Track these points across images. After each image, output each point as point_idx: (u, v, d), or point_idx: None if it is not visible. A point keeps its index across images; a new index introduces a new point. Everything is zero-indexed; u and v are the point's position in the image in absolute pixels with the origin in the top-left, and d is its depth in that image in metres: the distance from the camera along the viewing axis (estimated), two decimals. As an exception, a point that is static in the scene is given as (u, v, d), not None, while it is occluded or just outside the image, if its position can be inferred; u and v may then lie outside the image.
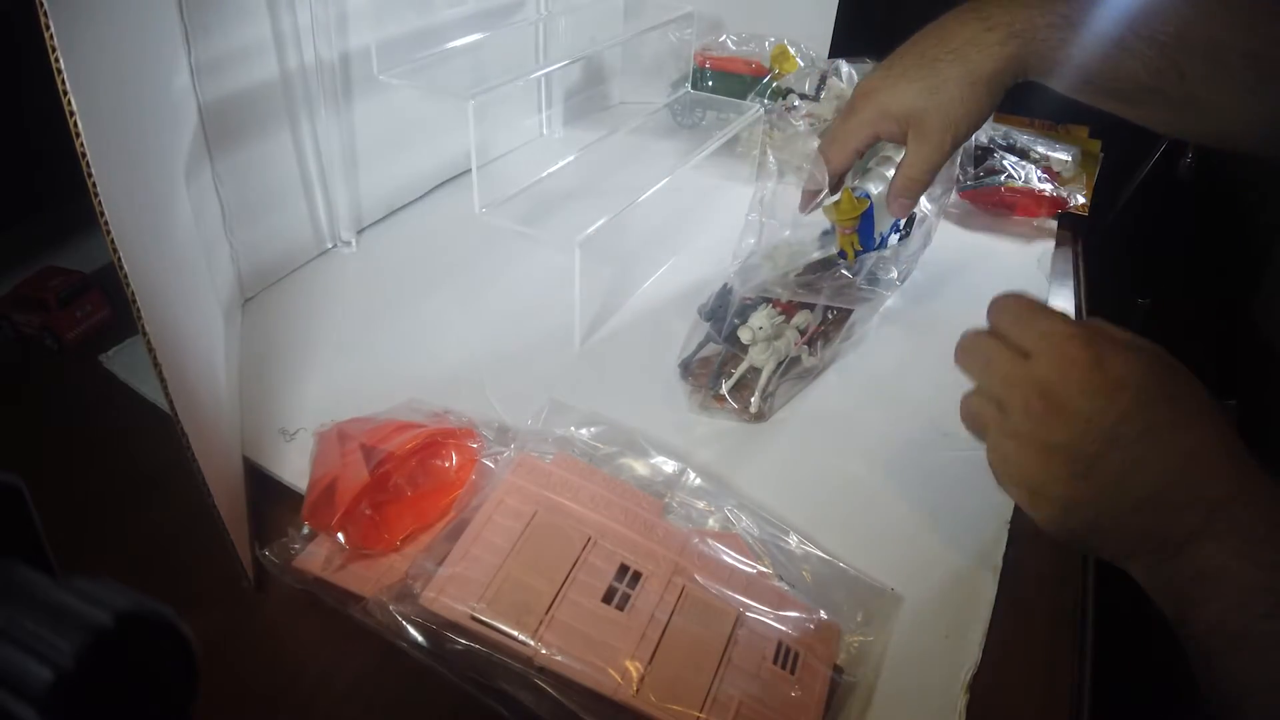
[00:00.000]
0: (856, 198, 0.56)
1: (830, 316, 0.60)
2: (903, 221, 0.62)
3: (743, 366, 0.56)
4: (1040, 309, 0.41)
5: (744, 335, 0.55)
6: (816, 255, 0.58)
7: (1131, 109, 0.52)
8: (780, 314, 0.55)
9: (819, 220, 0.60)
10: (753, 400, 0.55)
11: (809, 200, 0.57)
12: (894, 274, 0.62)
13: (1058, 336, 0.39)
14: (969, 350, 0.42)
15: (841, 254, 0.59)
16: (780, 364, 0.56)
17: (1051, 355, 0.39)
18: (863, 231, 0.58)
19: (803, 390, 0.60)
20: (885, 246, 0.61)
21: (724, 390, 0.56)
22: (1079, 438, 0.38)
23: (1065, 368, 0.38)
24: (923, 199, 0.62)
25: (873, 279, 0.60)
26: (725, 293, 0.57)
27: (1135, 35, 0.48)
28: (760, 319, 0.54)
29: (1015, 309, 0.42)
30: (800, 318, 0.57)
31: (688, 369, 0.58)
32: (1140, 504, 0.38)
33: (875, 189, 0.57)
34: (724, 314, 0.56)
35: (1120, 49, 0.48)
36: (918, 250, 0.66)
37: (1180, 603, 0.37)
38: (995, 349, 0.41)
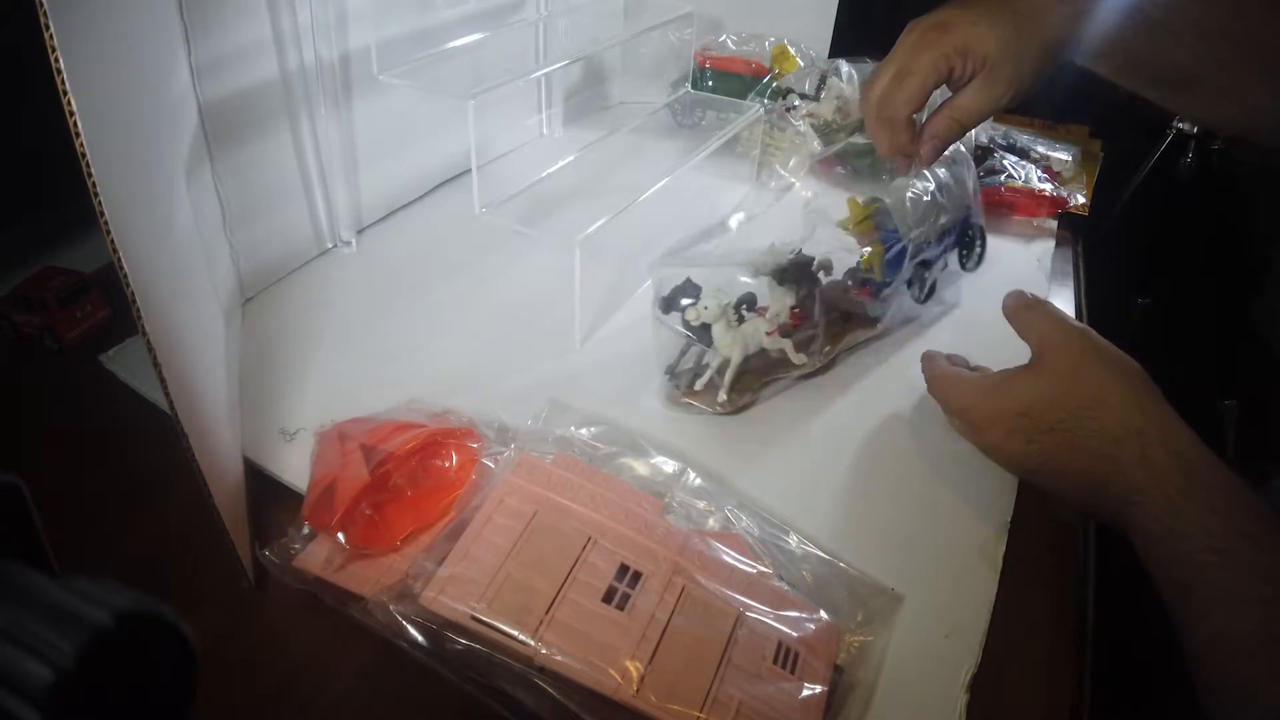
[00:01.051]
0: (863, 202, 0.56)
1: (830, 318, 0.60)
2: (955, 240, 0.61)
3: (717, 360, 0.56)
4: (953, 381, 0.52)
5: (690, 315, 0.53)
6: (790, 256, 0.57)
7: (1170, 95, 0.53)
8: (728, 299, 0.54)
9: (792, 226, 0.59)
10: (720, 392, 0.55)
11: (908, 160, 0.55)
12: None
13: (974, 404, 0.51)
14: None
15: (869, 271, 0.58)
16: (747, 355, 0.55)
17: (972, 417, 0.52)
18: (886, 240, 0.57)
19: (802, 389, 0.59)
20: (945, 266, 0.60)
21: (699, 386, 0.55)
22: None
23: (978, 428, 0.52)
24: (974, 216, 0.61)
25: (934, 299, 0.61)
26: (686, 286, 0.56)
27: (1183, 23, 0.49)
28: (707, 299, 0.53)
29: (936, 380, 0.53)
30: (773, 309, 0.56)
31: (673, 371, 0.58)
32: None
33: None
34: (679, 304, 0.55)
35: (1168, 34, 0.49)
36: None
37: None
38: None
